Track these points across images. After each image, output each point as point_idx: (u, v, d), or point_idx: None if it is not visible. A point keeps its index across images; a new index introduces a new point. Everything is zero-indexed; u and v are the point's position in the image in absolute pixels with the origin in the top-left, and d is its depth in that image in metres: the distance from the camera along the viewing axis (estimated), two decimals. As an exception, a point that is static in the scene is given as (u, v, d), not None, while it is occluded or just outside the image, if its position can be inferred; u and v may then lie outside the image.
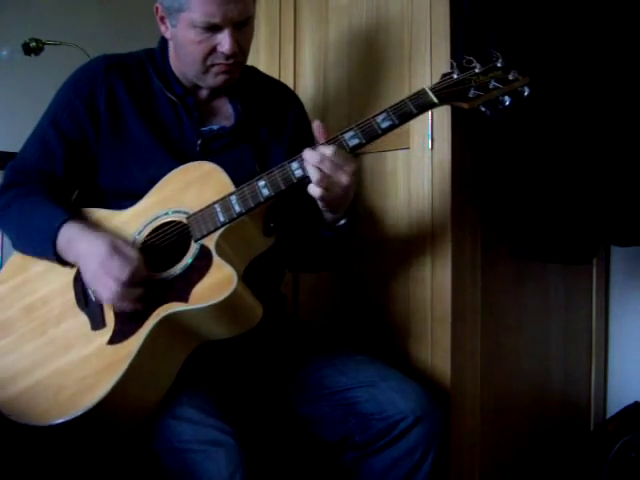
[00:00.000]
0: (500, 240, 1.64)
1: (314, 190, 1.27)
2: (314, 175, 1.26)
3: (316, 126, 1.31)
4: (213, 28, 1.36)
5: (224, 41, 1.37)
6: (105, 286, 1.25)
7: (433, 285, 1.62)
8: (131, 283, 1.24)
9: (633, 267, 2.03)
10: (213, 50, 1.39)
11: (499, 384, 1.72)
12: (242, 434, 1.23)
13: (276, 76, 1.92)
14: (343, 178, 1.26)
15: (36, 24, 2.42)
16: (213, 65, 1.41)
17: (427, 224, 1.63)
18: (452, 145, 1.59)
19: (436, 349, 1.61)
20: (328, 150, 1.26)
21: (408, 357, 1.66)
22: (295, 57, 1.97)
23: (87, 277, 1.29)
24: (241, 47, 1.41)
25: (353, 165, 1.28)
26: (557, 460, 1.88)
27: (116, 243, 1.27)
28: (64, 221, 1.32)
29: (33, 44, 2.22)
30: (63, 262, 1.34)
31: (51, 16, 2.53)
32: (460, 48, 1.54)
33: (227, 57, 1.39)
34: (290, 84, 1.91)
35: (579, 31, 1.60)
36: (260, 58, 2.03)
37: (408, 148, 1.67)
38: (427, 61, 1.64)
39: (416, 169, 1.66)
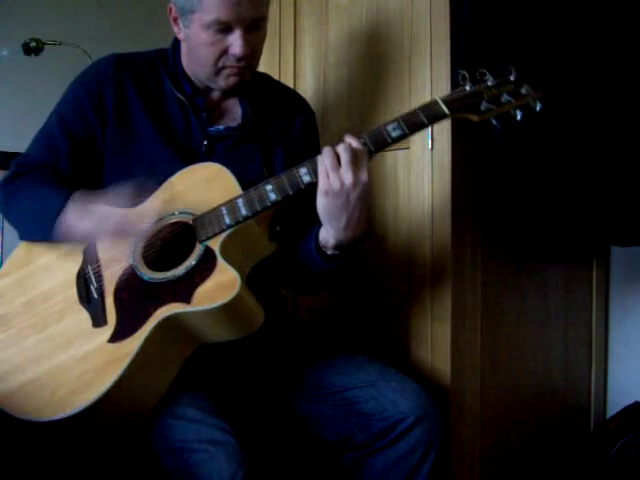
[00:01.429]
0: (500, 240, 1.64)
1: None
2: (322, 170, 1.26)
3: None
4: (225, 29, 1.36)
5: (235, 43, 1.37)
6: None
7: (433, 285, 1.62)
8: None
9: (633, 267, 2.03)
10: (224, 52, 1.39)
11: (499, 384, 1.72)
12: (243, 434, 1.23)
13: (276, 76, 1.92)
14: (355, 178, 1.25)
15: (36, 24, 2.43)
16: (224, 67, 1.41)
17: (427, 224, 1.63)
18: (452, 145, 1.60)
19: (436, 349, 1.61)
20: (354, 142, 1.26)
21: (408, 357, 1.66)
22: (295, 57, 1.98)
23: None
24: (253, 49, 1.41)
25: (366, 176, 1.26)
26: (557, 460, 1.88)
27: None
28: (67, 198, 1.32)
29: (33, 44, 2.22)
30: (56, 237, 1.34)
31: (51, 16, 2.53)
32: (460, 57, 1.54)
33: (238, 59, 1.39)
34: (290, 84, 1.91)
35: (579, 36, 1.60)
36: (260, 58, 2.02)
37: (408, 148, 1.67)
38: (427, 61, 1.64)
39: (416, 169, 1.66)
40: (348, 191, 1.25)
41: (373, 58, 1.79)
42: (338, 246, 1.33)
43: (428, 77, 1.63)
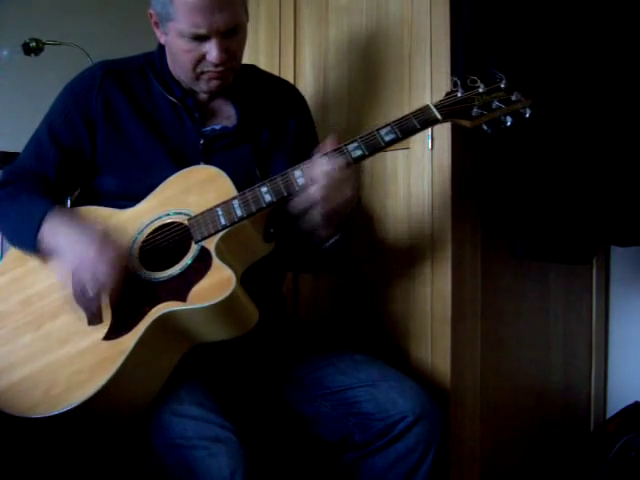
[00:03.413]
0: (500, 240, 1.64)
1: (316, 193, 1.28)
2: (322, 180, 1.28)
3: (330, 140, 1.33)
4: (200, 38, 1.37)
5: (212, 50, 1.37)
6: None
7: (433, 285, 1.62)
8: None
9: (633, 267, 2.03)
10: (202, 58, 1.39)
11: (499, 384, 1.72)
12: (243, 432, 1.23)
13: (276, 76, 1.92)
14: (347, 190, 1.29)
15: (36, 24, 2.43)
16: (203, 72, 1.42)
17: (427, 224, 1.63)
18: (452, 145, 1.59)
19: (436, 349, 1.61)
20: (340, 160, 1.29)
21: (408, 357, 1.66)
22: (295, 57, 1.97)
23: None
24: (231, 54, 1.41)
25: (358, 181, 1.31)
26: (557, 460, 1.88)
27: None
28: (46, 212, 1.32)
29: (33, 44, 2.22)
30: (40, 252, 1.33)
31: (51, 16, 2.53)
32: (460, 65, 1.54)
33: (216, 65, 1.40)
34: (290, 85, 1.91)
35: (574, 41, 1.61)
36: (260, 58, 2.03)
37: (408, 148, 1.67)
38: (427, 61, 1.64)
39: (416, 169, 1.66)
40: (348, 201, 1.32)
41: (373, 58, 1.79)
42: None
43: (428, 77, 1.63)
